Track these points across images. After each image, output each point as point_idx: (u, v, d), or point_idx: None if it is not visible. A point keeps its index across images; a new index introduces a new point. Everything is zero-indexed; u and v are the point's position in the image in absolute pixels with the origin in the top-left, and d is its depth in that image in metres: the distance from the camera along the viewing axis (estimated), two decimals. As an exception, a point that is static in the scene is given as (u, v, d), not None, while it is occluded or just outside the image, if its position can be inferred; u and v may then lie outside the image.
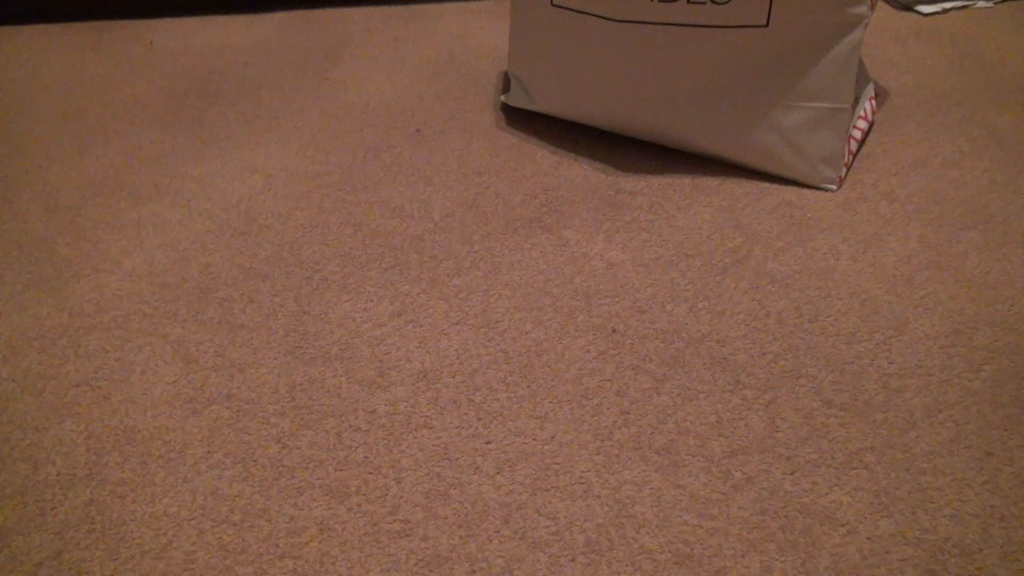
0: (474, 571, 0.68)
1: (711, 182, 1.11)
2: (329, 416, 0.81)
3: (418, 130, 1.25)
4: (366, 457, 0.77)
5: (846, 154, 1.08)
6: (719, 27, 1.02)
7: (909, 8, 1.55)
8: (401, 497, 0.74)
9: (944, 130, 1.19)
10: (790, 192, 1.08)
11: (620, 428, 0.79)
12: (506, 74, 1.37)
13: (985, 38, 1.43)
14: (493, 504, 0.73)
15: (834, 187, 1.08)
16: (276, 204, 1.11)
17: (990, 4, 1.55)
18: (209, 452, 0.78)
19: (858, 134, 1.12)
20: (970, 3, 1.55)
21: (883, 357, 0.85)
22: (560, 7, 1.11)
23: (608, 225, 1.04)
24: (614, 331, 0.89)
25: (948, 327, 0.88)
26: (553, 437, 0.78)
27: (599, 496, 0.73)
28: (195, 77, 1.43)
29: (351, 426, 0.80)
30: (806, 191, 1.08)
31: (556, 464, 0.76)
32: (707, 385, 0.83)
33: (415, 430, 0.79)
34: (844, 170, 1.09)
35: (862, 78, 1.14)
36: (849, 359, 0.85)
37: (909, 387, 0.82)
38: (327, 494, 0.74)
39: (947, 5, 1.54)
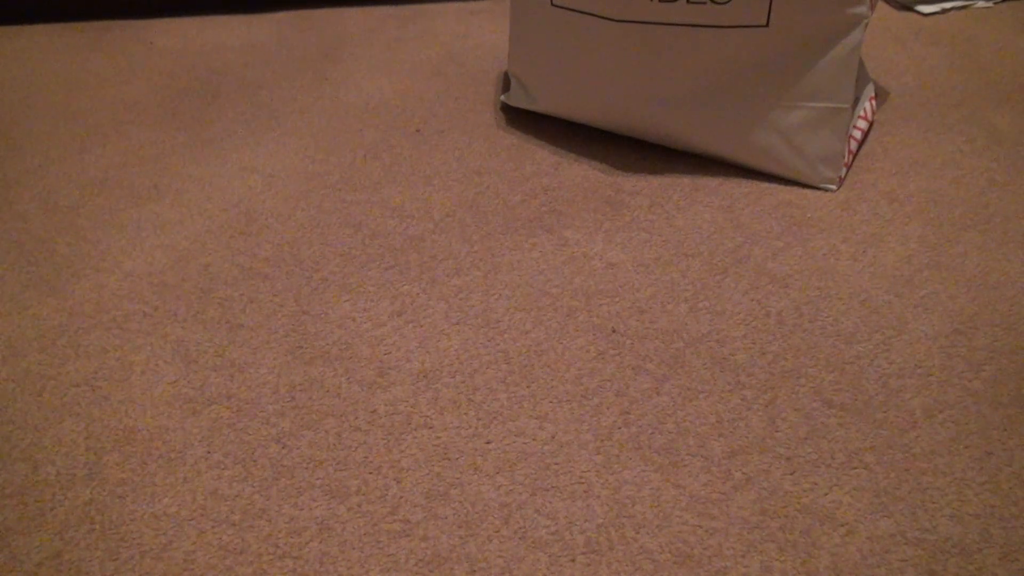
0: (474, 571, 0.68)
1: (711, 182, 1.11)
2: (329, 416, 0.81)
3: (418, 130, 1.25)
4: (366, 457, 0.77)
5: (846, 154, 1.08)
6: (719, 27, 1.02)
7: (909, 8, 1.55)
8: (401, 497, 0.74)
9: (944, 130, 1.19)
10: (790, 192, 1.08)
11: (620, 428, 0.79)
12: (506, 74, 1.37)
13: (985, 38, 1.43)
14: (493, 504, 0.73)
15: (834, 187, 1.08)
16: (276, 204, 1.11)
17: (990, 4, 1.55)
18: (209, 452, 0.78)
19: (858, 134, 1.12)
20: (970, 3, 1.55)
21: (883, 357, 0.85)
22: (560, 7, 1.11)
23: (608, 225, 1.04)
24: (614, 331, 0.89)
25: (948, 327, 0.88)
26: (553, 437, 0.78)
27: (599, 496, 0.73)
28: (195, 77, 1.43)
29: (351, 426, 0.80)
30: (806, 191, 1.08)
31: (556, 464, 0.76)
32: (707, 385, 0.83)
33: (415, 430, 0.79)
34: (844, 170, 1.09)
35: (862, 78, 1.14)
36: (849, 359, 0.85)
37: (909, 387, 0.82)
38: (327, 494, 0.74)
39: (947, 5, 1.54)
